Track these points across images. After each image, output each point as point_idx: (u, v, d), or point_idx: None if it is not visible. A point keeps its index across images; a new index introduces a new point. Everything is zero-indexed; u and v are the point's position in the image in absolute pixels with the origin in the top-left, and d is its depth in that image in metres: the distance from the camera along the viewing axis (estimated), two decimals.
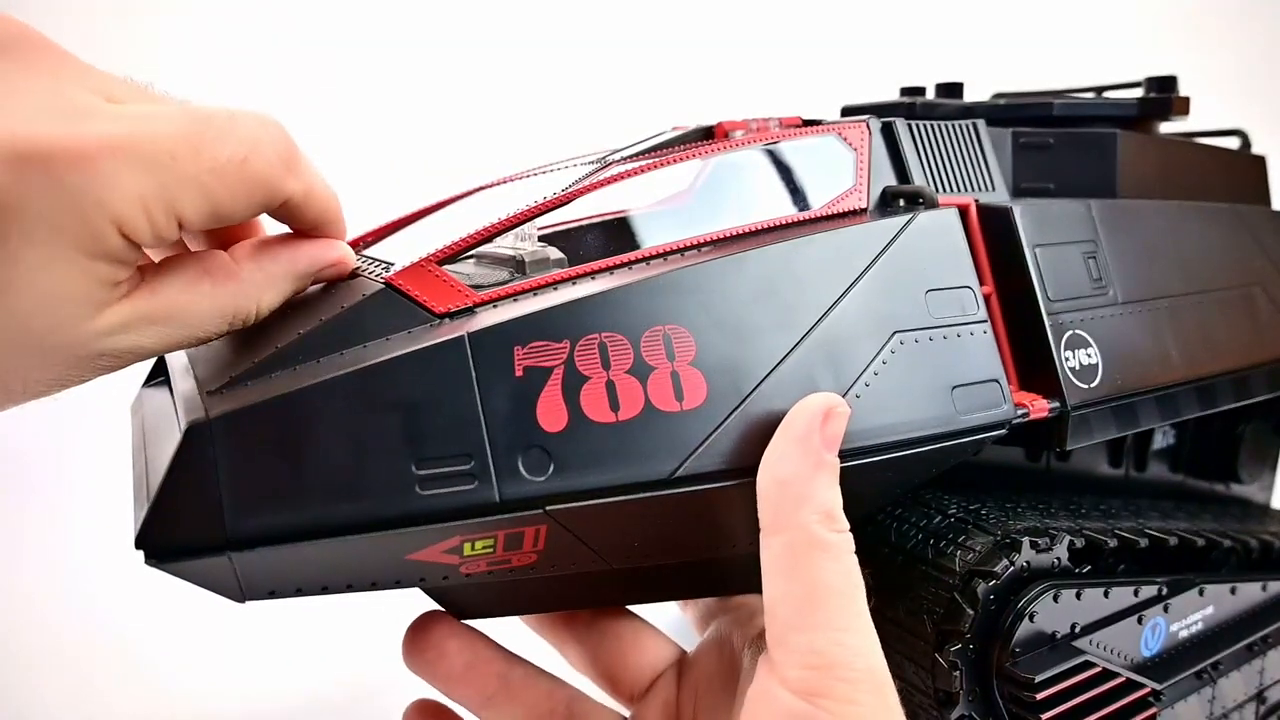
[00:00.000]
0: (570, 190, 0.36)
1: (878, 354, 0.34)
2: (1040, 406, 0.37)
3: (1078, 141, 0.45)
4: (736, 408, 0.31)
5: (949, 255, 0.36)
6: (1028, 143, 0.46)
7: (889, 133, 0.40)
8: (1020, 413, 0.36)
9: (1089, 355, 0.39)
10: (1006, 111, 0.45)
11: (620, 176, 0.37)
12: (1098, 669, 0.35)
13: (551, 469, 0.29)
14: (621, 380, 0.30)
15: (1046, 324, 0.38)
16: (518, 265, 0.35)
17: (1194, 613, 0.40)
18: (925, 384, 0.34)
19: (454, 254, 0.33)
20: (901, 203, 0.38)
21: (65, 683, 0.51)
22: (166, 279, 0.27)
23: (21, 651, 0.53)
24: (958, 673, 0.34)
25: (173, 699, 0.50)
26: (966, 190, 0.41)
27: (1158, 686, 0.37)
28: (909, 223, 0.36)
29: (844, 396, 0.33)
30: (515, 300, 0.31)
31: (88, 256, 0.24)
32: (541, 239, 0.37)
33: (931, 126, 0.40)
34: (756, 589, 0.30)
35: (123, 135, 0.24)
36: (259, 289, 0.29)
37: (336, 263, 0.31)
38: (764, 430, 0.31)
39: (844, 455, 0.32)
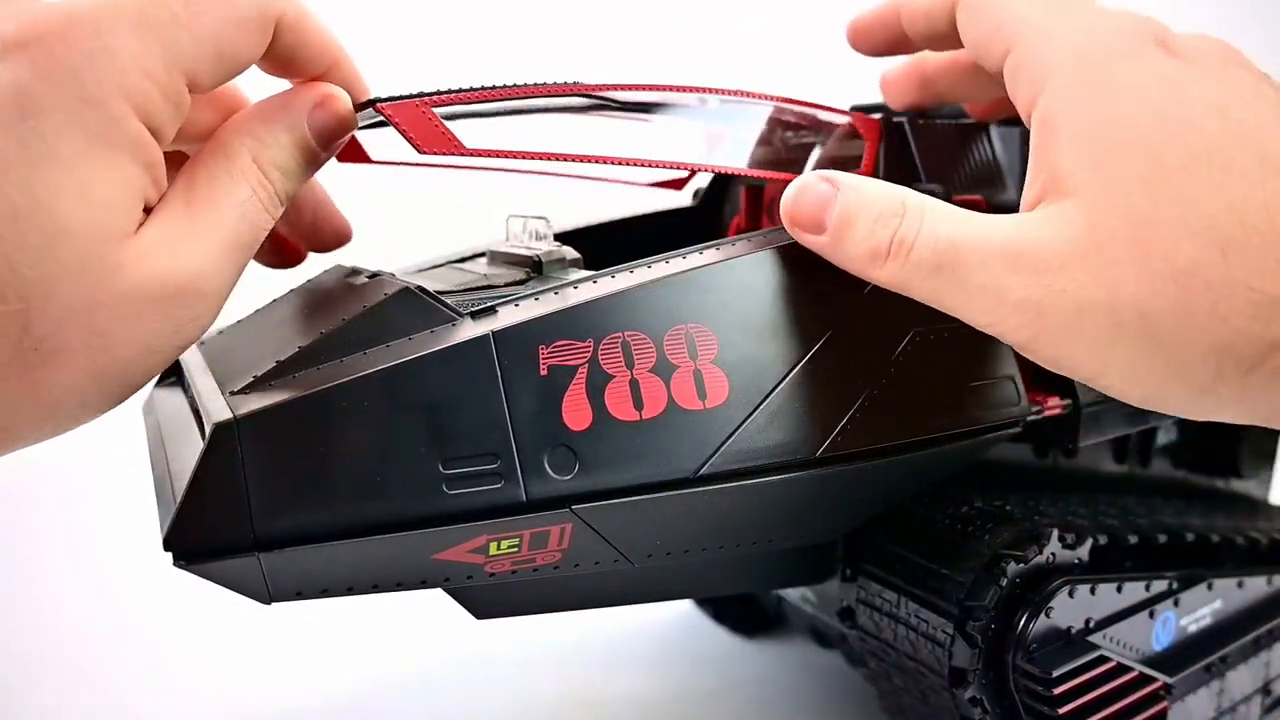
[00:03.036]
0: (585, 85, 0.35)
1: (897, 351, 0.34)
2: (1054, 404, 0.37)
3: None
4: (759, 405, 0.31)
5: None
6: None
7: (898, 132, 0.40)
8: (1034, 409, 0.37)
9: None
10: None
11: (640, 87, 0.36)
12: (1112, 663, 0.35)
13: (577, 468, 0.29)
14: (645, 379, 0.30)
15: None
16: (534, 265, 0.35)
17: (1202, 607, 0.40)
18: (943, 381, 0.35)
19: (451, 103, 0.31)
20: None
21: (68, 681, 0.50)
22: (186, 184, 0.28)
23: (24, 649, 0.53)
24: (976, 650, 0.34)
25: (176, 698, 0.50)
26: (976, 188, 0.41)
27: (1169, 680, 0.37)
28: None
29: (863, 395, 0.33)
30: (537, 299, 0.31)
31: (113, 149, 0.25)
32: (558, 238, 0.37)
33: (942, 127, 0.41)
34: (777, 586, 0.30)
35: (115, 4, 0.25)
36: (266, 148, 0.29)
37: (325, 100, 0.31)
38: (787, 428, 0.31)
39: (860, 456, 0.33)
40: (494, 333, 0.28)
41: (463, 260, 0.41)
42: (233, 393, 0.28)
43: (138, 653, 0.53)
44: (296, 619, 0.54)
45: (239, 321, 0.36)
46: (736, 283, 0.32)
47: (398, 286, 0.31)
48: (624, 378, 0.30)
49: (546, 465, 0.28)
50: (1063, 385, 0.38)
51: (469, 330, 0.29)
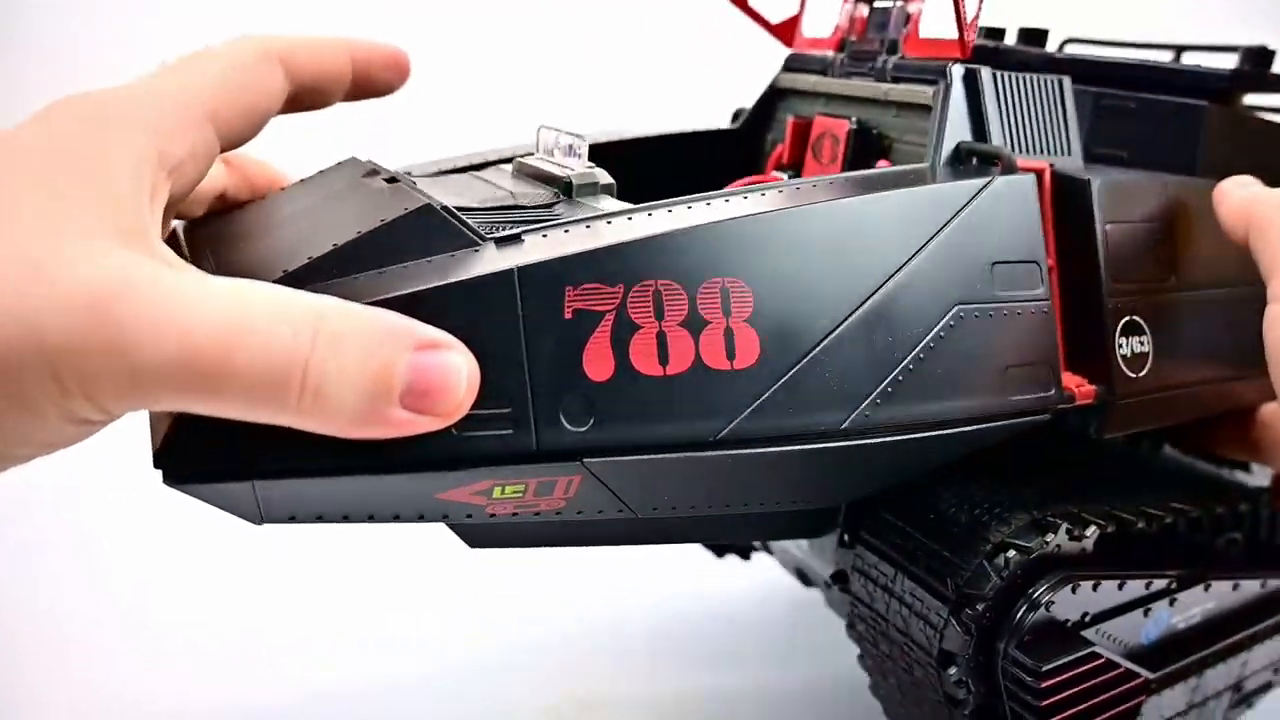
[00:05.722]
0: None
1: (937, 326, 0.32)
2: (1086, 391, 0.36)
3: (1161, 110, 0.42)
4: (789, 371, 0.30)
5: (1022, 226, 0.34)
6: (1109, 105, 0.43)
7: (971, 81, 0.37)
8: (1066, 397, 0.35)
9: (1142, 343, 0.37)
10: (1091, 69, 0.43)
11: None
12: (1101, 660, 0.35)
13: (592, 421, 0.27)
14: (673, 332, 0.28)
15: (1107, 307, 0.36)
16: (565, 187, 0.33)
17: (1196, 606, 0.40)
18: (979, 362, 0.33)
19: None
20: (975, 161, 0.36)
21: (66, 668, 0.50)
22: None
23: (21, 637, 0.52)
24: (969, 636, 0.33)
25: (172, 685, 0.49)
26: (1041, 152, 0.38)
27: (1151, 676, 0.37)
28: (984, 188, 0.34)
29: (897, 369, 0.31)
30: (567, 231, 0.29)
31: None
32: (593, 157, 0.34)
33: (1018, 79, 0.38)
34: (773, 538, 0.28)
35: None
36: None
37: None
38: (815, 397, 0.30)
39: (886, 430, 0.31)
40: (519, 269, 0.26)
41: (486, 166, 0.38)
42: None
43: (135, 651, 0.52)
44: (295, 619, 0.54)
45: (243, 210, 0.34)
46: (780, 238, 0.30)
47: (419, 202, 0.28)
48: (651, 329, 0.28)
49: (561, 415, 0.27)
50: (1099, 372, 0.36)
51: (492, 261, 0.27)
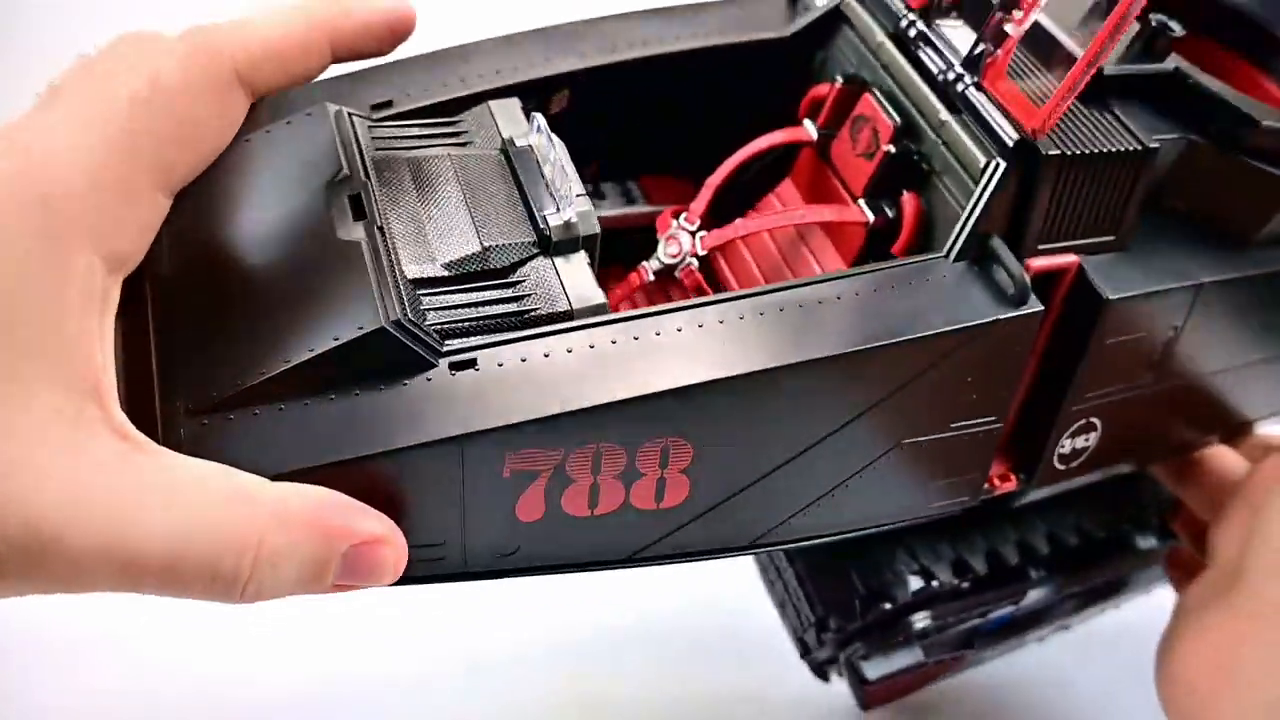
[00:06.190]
0: None
1: (874, 460, 0.33)
2: (1008, 483, 0.38)
3: (1243, 173, 0.36)
4: (713, 507, 0.32)
5: (1006, 364, 0.33)
6: (1193, 152, 0.37)
7: (1030, 174, 0.32)
8: (986, 490, 0.37)
9: (1087, 440, 0.38)
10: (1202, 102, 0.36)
11: None
12: (929, 663, 0.42)
13: (518, 550, 0.30)
14: (607, 483, 0.30)
15: (1063, 415, 0.36)
16: (543, 240, 0.31)
17: (1036, 602, 0.46)
18: (909, 480, 0.35)
19: None
20: (994, 265, 0.33)
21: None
22: None
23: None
24: (822, 644, 0.41)
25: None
26: (1080, 235, 0.34)
27: (975, 652, 0.45)
28: (983, 327, 0.32)
29: (821, 495, 0.33)
30: (524, 360, 0.28)
31: None
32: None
33: (1092, 165, 0.32)
34: None
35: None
36: None
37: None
38: (730, 524, 0.32)
39: (793, 539, 0.34)
40: (464, 442, 0.27)
41: (460, 129, 0.34)
42: (188, 410, 0.27)
43: (135, 650, 0.51)
44: (295, 618, 0.49)
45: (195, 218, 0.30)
46: (740, 407, 0.29)
47: (374, 322, 0.27)
48: (586, 483, 0.29)
49: (489, 548, 0.30)
50: (1027, 464, 0.38)
51: (442, 405, 0.27)
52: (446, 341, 0.28)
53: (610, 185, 0.42)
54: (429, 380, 0.28)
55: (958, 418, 0.34)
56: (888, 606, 0.39)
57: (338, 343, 0.27)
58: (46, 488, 0.23)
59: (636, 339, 0.29)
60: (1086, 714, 0.52)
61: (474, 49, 0.37)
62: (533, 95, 0.37)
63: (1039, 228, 0.33)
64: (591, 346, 0.29)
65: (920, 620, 0.40)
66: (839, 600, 0.39)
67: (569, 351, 0.29)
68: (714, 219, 0.38)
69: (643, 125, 0.40)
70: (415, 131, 0.34)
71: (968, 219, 0.32)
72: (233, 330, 0.28)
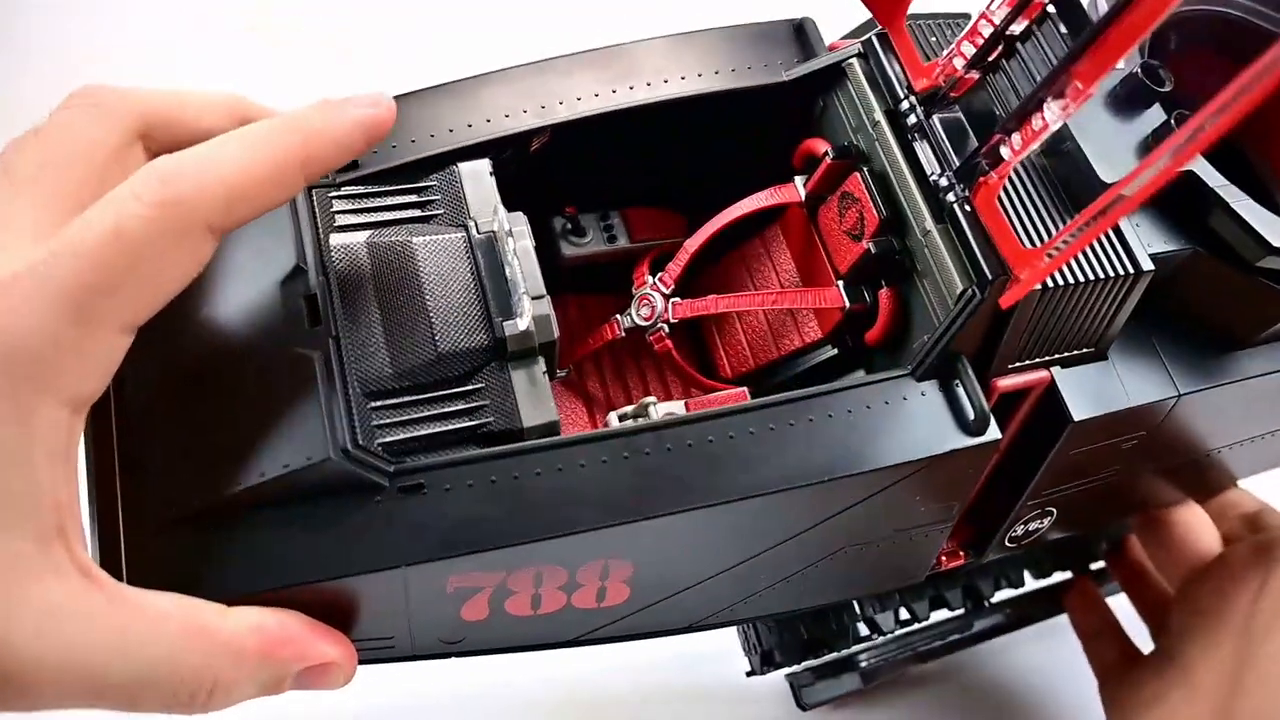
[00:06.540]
0: None
1: (818, 560, 0.34)
2: (955, 560, 0.39)
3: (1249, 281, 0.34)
4: (650, 605, 0.33)
5: (959, 484, 0.33)
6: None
7: (1008, 311, 0.30)
8: (932, 568, 0.38)
9: (1040, 523, 0.39)
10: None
11: None
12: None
13: (464, 641, 0.32)
14: (549, 593, 0.31)
15: (1017, 509, 0.37)
16: (499, 347, 0.31)
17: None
18: (853, 571, 0.36)
19: None
20: (955, 383, 0.32)
21: None
22: None
23: None
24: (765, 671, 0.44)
25: None
26: (1057, 349, 0.33)
27: (918, 666, 0.48)
28: (939, 456, 0.31)
29: (761, 589, 0.34)
30: (471, 485, 0.29)
31: None
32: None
33: (1077, 295, 0.31)
34: None
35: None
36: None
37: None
38: (670, 612, 0.34)
39: (731, 622, 0.36)
40: (407, 570, 0.28)
41: (425, 197, 0.33)
42: (151, 530, 0.28)
43: None
44: None
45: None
46: (668, 528, 0.30)
47: (322, 452, 0.28)
48: (528, 593, 0.31)
49: (437, 639, 0.32)
50: (976, 545, 0.39)
51: (388, 527, 0.28)
52: (398, 459, 0.29)
53: (590, 217, 0.40)
54: (378, 502, 0.29)
55: (905, 525, 0.34)
56: (831, 656, 0.41)
57: (287, 470, 0.28)
58: (14, 626, 0.24)
59: (583, 465, 0.30)
60: (1080, 708, 0.53)
61: (449, 91, 0.35)
62: (509, 143, 0.35)
63: (1013, 349, 0.32)
64: (538, 474, 0.29)
65: (864, 660, 0.43)
66: (785, 642, 0.42)
67: (515, 479, 0.29)
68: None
69: (627, 164, 0.38)
70: (378, 202, 0.33)
71: (937, 341, 0.31)
72: (191, 448, 0.29)
